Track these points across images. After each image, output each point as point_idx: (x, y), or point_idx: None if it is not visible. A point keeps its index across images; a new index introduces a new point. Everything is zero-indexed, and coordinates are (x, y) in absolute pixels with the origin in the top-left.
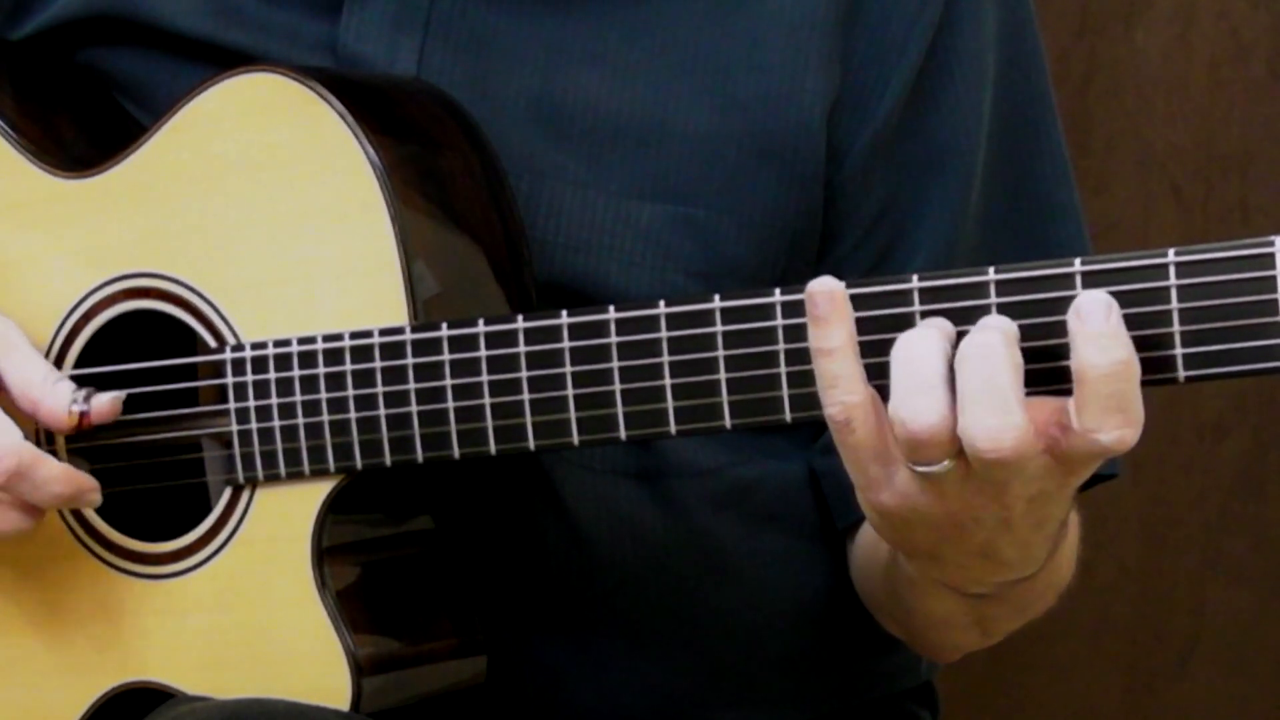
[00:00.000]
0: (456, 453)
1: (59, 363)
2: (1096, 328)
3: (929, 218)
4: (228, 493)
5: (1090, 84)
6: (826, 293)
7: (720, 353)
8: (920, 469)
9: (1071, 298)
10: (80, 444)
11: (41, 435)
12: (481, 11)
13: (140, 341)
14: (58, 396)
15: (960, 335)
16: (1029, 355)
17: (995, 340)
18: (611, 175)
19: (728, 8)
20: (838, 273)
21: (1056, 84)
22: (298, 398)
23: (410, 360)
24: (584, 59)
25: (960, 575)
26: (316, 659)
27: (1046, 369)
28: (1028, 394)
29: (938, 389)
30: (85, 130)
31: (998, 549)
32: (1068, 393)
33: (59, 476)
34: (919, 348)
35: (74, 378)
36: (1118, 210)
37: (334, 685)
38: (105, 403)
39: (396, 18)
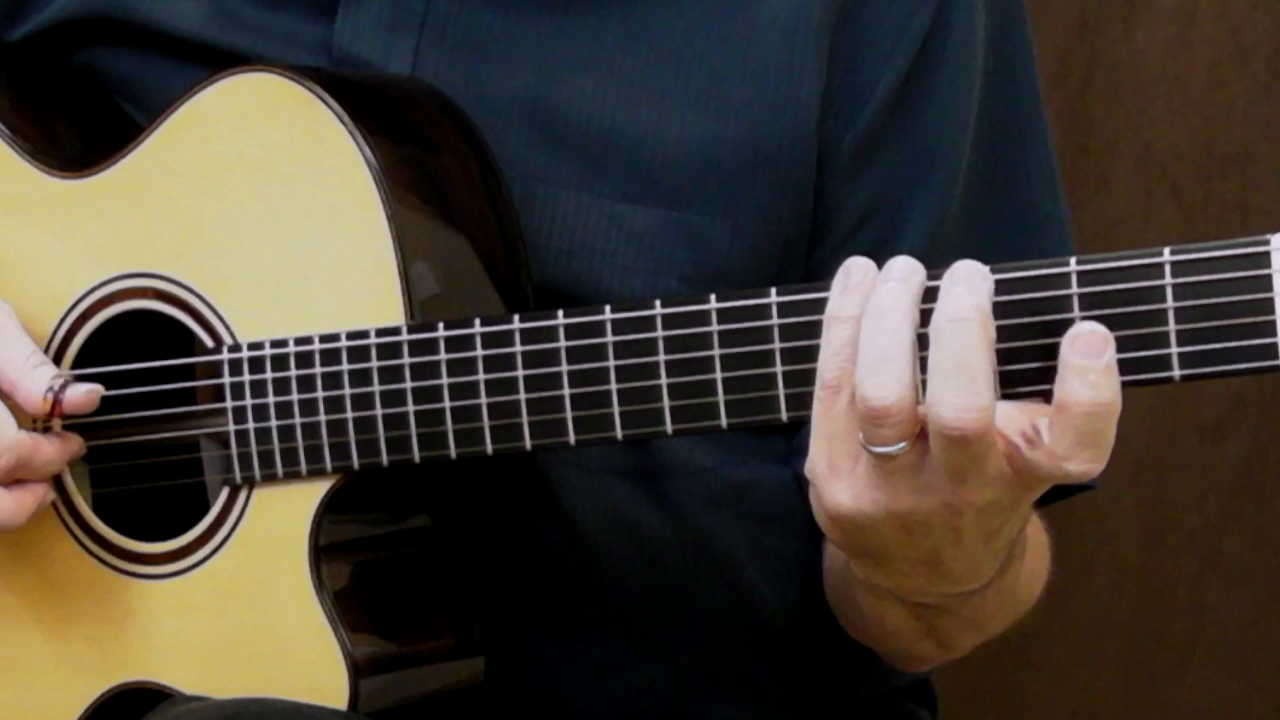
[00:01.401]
0: (453, 452)
1: (56, 363)
2: (1090, 363)
3: (911, 222)
4: (225, 492)
5: (1090, 84)
6: (863, 264)
7: (716, 352)
8: (877, 449)
9: (1067, 297)
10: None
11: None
12: (477, 14)
13: (138, 341)
14: (35, 381)
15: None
16: (1019, 355)
17: (970, 316)
18: (605, 179)
19: (723, 13)
20: (820, 275)
21: (1056, 84)
22: (294, 398)
23: (407, 360)
24: (579, 63)
25: (904, 583)
26: (314, 659)
27: (1036, 369)
28: (1019, 395)
29: (901, 364)
30: (82, 131)
31: (943, 559)
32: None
33: (56, 457)
34: (888, 320)
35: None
36: (1118, 210)
37: (331, 685)
38: (80, 394)
39: (392, 20)
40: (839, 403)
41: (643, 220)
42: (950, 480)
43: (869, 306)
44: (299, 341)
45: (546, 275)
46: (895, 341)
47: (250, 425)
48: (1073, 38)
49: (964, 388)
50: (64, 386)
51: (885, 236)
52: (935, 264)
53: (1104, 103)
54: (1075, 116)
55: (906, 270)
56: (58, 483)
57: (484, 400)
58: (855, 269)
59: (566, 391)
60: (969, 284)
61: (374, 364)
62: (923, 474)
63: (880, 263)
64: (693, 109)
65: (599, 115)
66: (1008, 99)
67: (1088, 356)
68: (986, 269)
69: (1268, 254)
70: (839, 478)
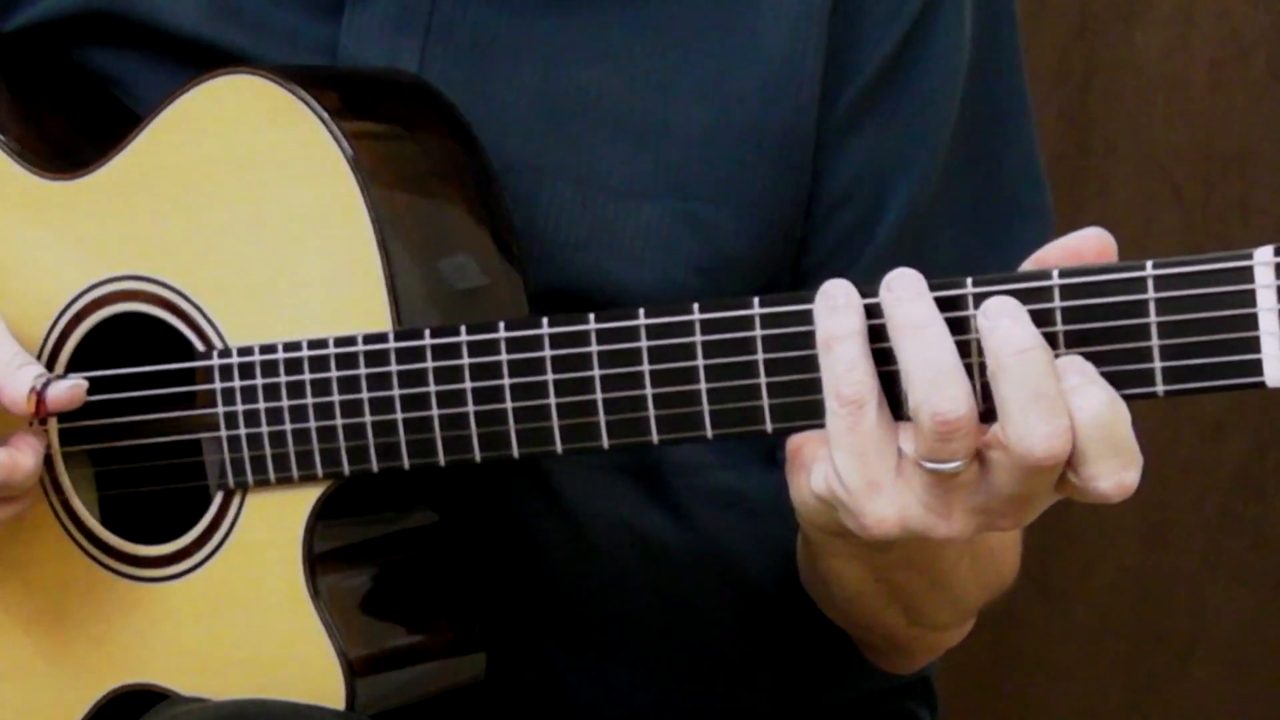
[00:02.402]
0: (442, 459)
1: (50, 366)
2: (1078, 381)
3: (892, 205)
4: (219, 497)
5: (1090, 84)
6: (843, 285)
7: (700, 362)
8: (943, 466)
9: (1049, 310)
10: (72, 448)
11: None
12: (482, 12)
13: (132, 344)
14: (19, 381)
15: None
16: None
17: (1033, 344)
18: (612, 172)
19: (727, 5)
20: (800, 251)
21: (1056, 84)
22: (284, 403)
23: (394, 368)
24: (585, 57)
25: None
26: (310, 662)
27: None
28: None
29: (961, 373)
30: (72, 130)
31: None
32: None
33: (34, 470)
34: (931, 334)
35: None
36: (1118, 210)
37: (328, 688)
38: (63, 390)
39: (397, 20)
40: (866, 418)
41: (650, 212)
42: (1016, 504)
43: (899, 326)
44: (287, 347)
45: (555, 271)
46: (947, 355)
47: (241, 430)
48: (1073, 38)
49: (1046, 414)
50: (46, 385)
51: (865, 217)
52: (915, 251)
53: (1104, 103)
54: (1075, 116)
55: (915, 284)
56: (57, 487)
57: (471, 408)
58: (837, 291)
59: (552, 400)
60: (1015, 317)
61: (362, 371)
62: (980, 495)
63: (852, 245)
64: (698, 100)
65: (604, 108)
66: (990, 91)
67: (1077, 374)
68: (1015, 303)
69: (1250, 269)
70: (880, 492)
